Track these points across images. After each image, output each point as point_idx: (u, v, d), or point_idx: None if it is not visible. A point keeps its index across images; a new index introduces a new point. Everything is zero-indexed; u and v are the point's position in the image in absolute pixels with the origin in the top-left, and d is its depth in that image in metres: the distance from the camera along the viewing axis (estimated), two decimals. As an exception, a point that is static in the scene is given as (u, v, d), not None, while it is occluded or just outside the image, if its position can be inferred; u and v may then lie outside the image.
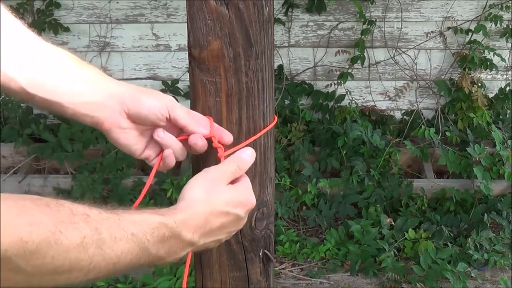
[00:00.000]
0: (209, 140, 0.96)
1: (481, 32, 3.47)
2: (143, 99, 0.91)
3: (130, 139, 0.93)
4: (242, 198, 0.90)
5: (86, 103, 0.88)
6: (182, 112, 0.94)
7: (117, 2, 3.56)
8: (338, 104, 3.72)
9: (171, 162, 0.95)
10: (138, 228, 0.74)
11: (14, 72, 0.84)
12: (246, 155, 0.94)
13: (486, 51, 3.50)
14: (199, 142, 0.94)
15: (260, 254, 1.12)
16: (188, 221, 0.81)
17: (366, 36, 3.55)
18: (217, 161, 0.96)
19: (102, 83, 0.90)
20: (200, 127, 0.95)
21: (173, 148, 0.95)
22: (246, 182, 0.93)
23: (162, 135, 0.94)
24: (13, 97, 0.87)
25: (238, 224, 0.91)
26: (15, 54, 0.84)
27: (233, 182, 0.92)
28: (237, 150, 0.98)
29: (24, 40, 0.86)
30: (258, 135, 1.01)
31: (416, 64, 3.72)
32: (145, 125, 0.94)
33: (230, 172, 0.91)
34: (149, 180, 0.96)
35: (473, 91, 3.41)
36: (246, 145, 1.01)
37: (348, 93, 3.71)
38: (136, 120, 0.92)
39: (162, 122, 0.93)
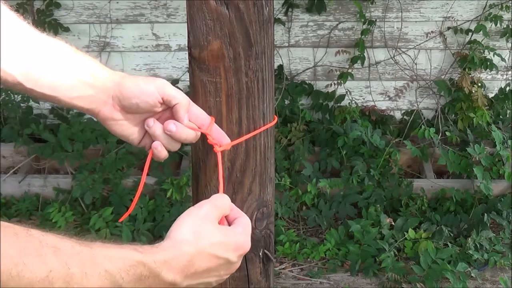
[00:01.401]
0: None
1: (481, 32, 3.47)
2: (132, 88, 0.89)
3: (125, 130, 0.93)
4: (235, 242, 0.84)
5: (79, 97, 0.89)
6: (174, 91, 0.91)
7: (117, 2, 3.56)
8: (338, 104, 3.72)
9: (161, 153, 0.93)
10: (113, 265, 0.70)
11: (10, 68, 0.84)
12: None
13: (486, 51, 3.50)
14: (172, 129, 0.91)
15: (260, 254, 1.12)
16: (170, 262, 0.77)
17: (366, 36, 3.55)
18: (216, 160, 0.96)
19: (95, 76, 0.89)
20: (186, 114, 0.92)
21: (161, 138, 0.92)
22: (244, 224, 0.88)
23: (151, 125, 0.92)
24: (14, 90, 0.88)
25: (229, 268, 0.86)
26: (12, 50, 0.84)
27: (231, 221, 0.89)
28: (234, 144, 0.98)
29: (20, 34, 0.86)
30: (256, 131, 1.01)
31: (416, 64, 3.72)
32: (141, 113, 0.92)
33: (223, 206, 0.88)
34: (144, 174, 0.95)
35: (473, 91, 3.41)
36: (246, 145, 1.01)
37: (348, 93, 3.71)
38: (130, 110, 0.91)
39: (156, 108, 0.91)
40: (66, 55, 0.89)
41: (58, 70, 0.87)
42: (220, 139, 0.96)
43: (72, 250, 0.68)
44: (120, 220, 1.02)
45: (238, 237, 0.85)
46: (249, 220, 0.90)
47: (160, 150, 0.93)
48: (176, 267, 0.77)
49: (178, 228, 0.81)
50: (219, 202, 0.88)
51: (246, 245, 0.87)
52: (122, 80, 0.90)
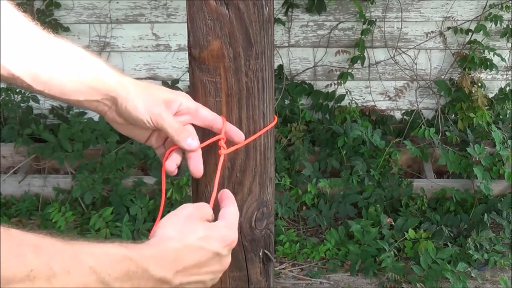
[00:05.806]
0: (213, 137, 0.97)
1: (481, 32, 3.47)
2: (128, 111, 0.91)
3: (130, 132, 0.96)
4: (219, 234, 0.83)
5: (86, 101, 0.91)
6: (169, 122, 0.92)
7: (117, 2, 3.56)
8: (338, 104, 3.72)
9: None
10: (98, 261, 0.68)
11: (19, 71, 0.86)
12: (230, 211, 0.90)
13: (486, 51, 3.50)
14: (175, 172, 0.94)
15: (260, 254, 1.12)
16: (156, 257, 0.75)
17: (366, 36, 3.55)
18: (217, 160, 0.96)
19: (102, 83, 0.91)
20: (186, 139, 0.92)
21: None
22: (226, 217, 0.88)
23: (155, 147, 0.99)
24: (23, 89, 0.92)
25: (221, 262, 0.84)
26: (20, 52, 0.86)
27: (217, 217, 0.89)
28: (237, 148, 0.98)
29: (27, 36, 0.87)
30: (258, 134, 1.01)
31: (416, 64, 3.72)
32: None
33: (206, 212, 0.88)
34: (163, 184, 0.98)
35: (473, 91, 3.41)
36: (246, 145, 1.01)
37: (348, 93, 3.71)
38: (129, 121, 0.93)
39: (151, 128, 0.93)
40: (74, 58, 0.90)
41: (65, 74, 0.88)
42: (232, 136, 0.97)
43: (53, 248, 0.66)
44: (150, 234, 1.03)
45: (222, 229, 0.84)
46: (235, 210, 0.90)
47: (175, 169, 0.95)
48: (164, 262, 0.76)
49: (163, 227, 0.81)
50: (202, 207, 0.88)
51: (232, 236, 0.85)
52: (123, 97, 0.91)
